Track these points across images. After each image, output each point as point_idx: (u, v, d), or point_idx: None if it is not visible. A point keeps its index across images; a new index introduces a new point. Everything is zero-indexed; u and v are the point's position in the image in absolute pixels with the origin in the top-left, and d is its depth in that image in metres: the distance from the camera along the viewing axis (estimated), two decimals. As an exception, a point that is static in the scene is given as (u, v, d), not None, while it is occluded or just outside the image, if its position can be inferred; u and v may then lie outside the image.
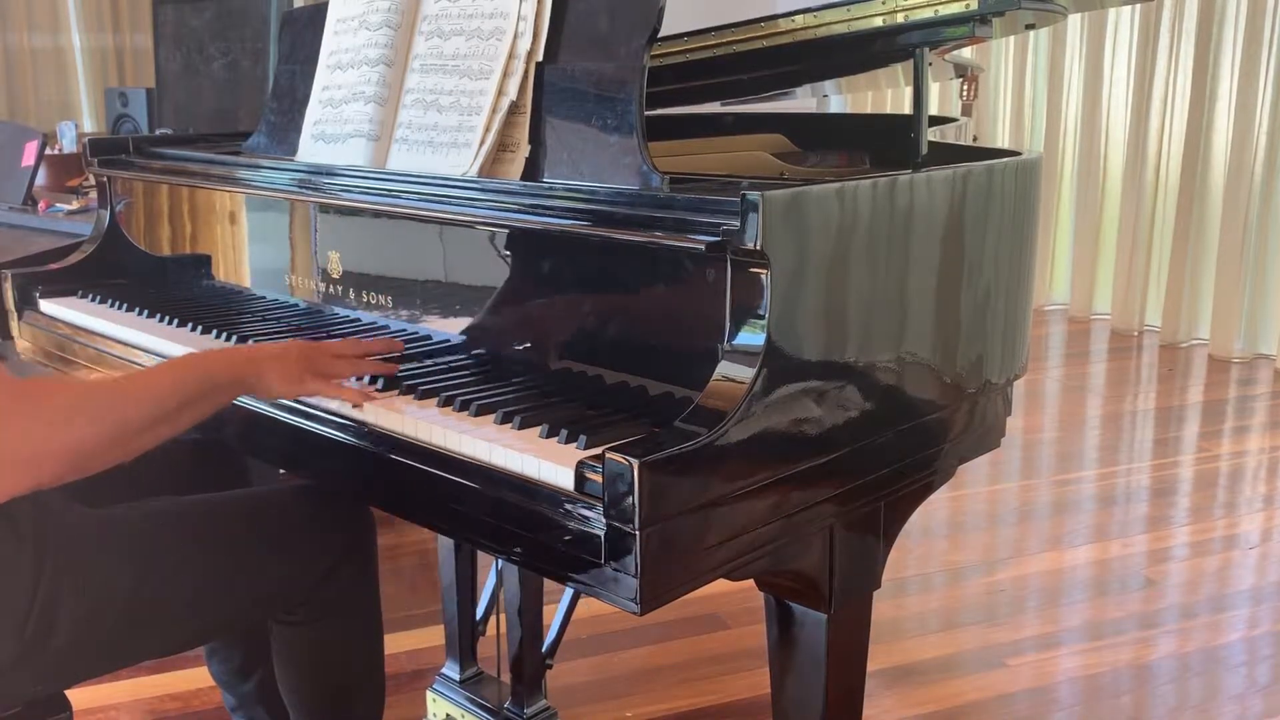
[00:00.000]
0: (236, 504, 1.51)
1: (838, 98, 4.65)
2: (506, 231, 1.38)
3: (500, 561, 1.92)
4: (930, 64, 1.58)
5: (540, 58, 1.44)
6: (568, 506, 1.11)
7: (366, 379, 1.40)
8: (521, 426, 1.22)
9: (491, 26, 1.48)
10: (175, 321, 1.70)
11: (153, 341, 1.66)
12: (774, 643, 1.39)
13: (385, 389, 1.38)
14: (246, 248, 1.79)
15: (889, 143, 1.84)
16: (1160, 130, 5.18)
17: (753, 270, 1.14)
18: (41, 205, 2.76)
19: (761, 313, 1.13)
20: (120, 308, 1.81)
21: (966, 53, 2.04)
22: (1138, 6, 5.13)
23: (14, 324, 1.95)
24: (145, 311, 1.77)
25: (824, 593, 1.32)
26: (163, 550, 1.38)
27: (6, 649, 1.27)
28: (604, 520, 1.06)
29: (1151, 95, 5.18)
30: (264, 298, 1.76)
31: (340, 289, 1.60)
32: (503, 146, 1.45)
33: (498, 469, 1.18)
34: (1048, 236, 5.66)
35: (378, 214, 1.53)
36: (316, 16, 1.72)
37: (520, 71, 1.44)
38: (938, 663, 2.44)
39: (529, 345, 1.38)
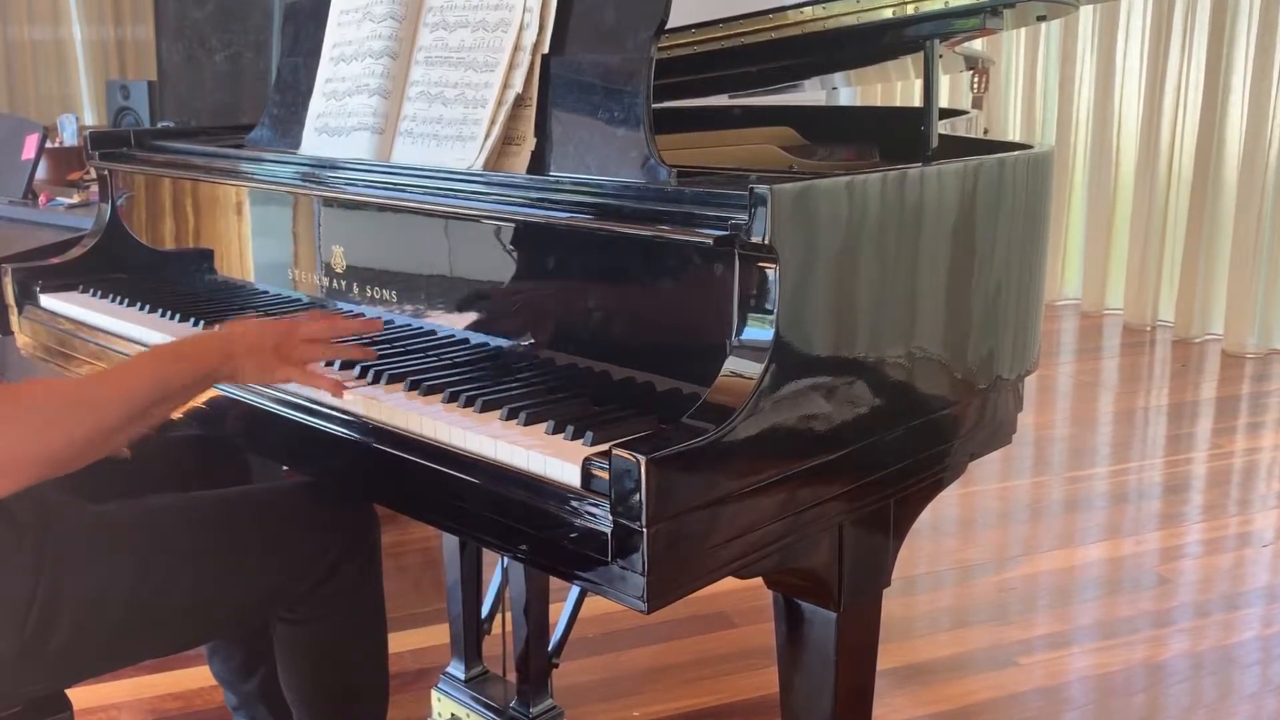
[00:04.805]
0: (238, 501, 1.50)
1: (847, 90, 4.62)
2: (512, 225, 1.37)
3: (506, 559, 1.91)
4: (941, 56, 1.56)
5: (546, 50, 1.42)
6: (574, 503, 1.09)
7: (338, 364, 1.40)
8: (527, 423, 1.21)
9: (497, 18, 1.46)
10: (177, 316, 1.69)
11: (155, 337, 1.64)
12: (783, 641, 1.38)
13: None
14: (249, 242, 1.77)
15: (899, 136, 1.82)
16: (1173, 123, 5.15)
17: (761, 264, 1.12)
18: (42, 199, 2.75)
19: (770, 307, 1.12)
20: (122, 302, 1.80)
21: (977, 45, 2.02)
22: (1150, -2, 5.11)
23: (14, 319, 1.94)
24: (147, 306, 1.76)
25: (833, 591, 1.31)
26: (164, 548, 1.37)
27: (6, 648, 1.26)
28: (611, 517, 1.04)
29: (1164, 88, 5.15)
30: (267, 292, 1.74)
31: (344, 283, 1.58)
32: (508, 140, 1.44)
33: (503, 465, 1.17)
34: (1059, 230, 5.63)
35: (382, 208, 1.51)
36: (320, 8, 1.71)
37: (526, 64, 1.43)
38: (948, 661, 2.43)
39: (534, 340, 1.36)
